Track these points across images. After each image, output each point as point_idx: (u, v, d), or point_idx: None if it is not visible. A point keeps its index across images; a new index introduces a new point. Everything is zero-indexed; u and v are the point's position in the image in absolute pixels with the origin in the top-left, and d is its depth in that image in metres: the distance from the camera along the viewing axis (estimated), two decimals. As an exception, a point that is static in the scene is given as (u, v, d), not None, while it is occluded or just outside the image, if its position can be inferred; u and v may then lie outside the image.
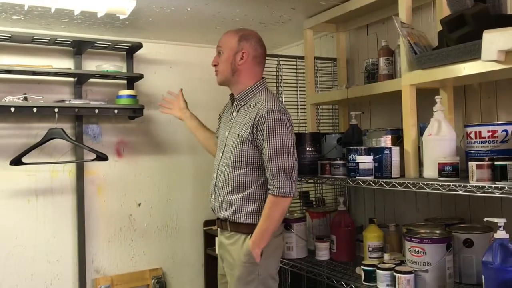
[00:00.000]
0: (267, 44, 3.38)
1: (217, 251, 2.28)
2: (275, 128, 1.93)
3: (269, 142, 1.93)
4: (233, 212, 2.03)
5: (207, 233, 3.30)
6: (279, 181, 1.92)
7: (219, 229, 2.18)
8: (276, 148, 1.93)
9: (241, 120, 2.05)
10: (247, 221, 2.01)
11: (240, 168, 2.02)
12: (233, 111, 2.14)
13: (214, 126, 2.38)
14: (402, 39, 2.01)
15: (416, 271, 1.86)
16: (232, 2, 2.46)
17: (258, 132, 1.96)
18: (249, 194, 2.01)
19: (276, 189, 1.92)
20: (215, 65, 2.13)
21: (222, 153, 2.10)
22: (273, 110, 1.95)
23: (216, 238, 2.32)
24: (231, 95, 2.19)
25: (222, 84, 2.16)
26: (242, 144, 2.00)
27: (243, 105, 2.09)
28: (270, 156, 1.93)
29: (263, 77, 2.14)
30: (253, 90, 2.08)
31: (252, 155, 2.00)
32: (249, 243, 1.97)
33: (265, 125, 1.94)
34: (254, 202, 2.01)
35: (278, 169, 1.92)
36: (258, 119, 1.96)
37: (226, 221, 2.07)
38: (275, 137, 1.93)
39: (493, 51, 1.54)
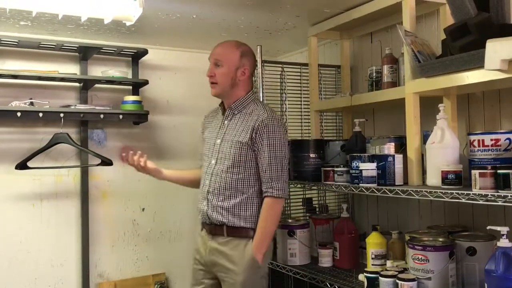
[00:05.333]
0: (271, 51, 3.41)
1: (197, 257, 2.21)
2: (274, 133, 2.05)
3: (269, 146, 2.04)
4: (231, 217, 2.05)
5: (210, 239, 3.30)
6: (277, 183, 2.03)
7: (209, 235, 2.14)
8: (275, 152, 2.04)
9: (238, 127, 2.11)
10: (246, 226, 2.05)
11: (238, 173, 2.06)
12: (224, 120, 2.18)
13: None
14: (405, 47, 2.02)
15: (419, 278, 1.86)
16: (237, 10, 2.48)
17: (257, 136, 2.05)
18: (246, 199, 2.06)
19: (275, 191, 2.02)
20: (211, 76, 2.14)
21: (216, 160, 2.13)
22: (272, 117, 2.08)
23: (199, 246, 2.22)
24: (221, 104, 2.23)
25: (218, 96, 2.19)
26: (241, 149, 2.07)
27: (237, 114, 2.15)
28: (270, 159, 2.03)
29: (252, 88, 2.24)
30: (246, 100, 2.17)
31: (250, 160, 2.07)
32: (252, 248, 2.01)
33: (265, 130, 2.04)
34: (252, 206, 2.07)
35: (277, 172, 2.03)
36: (259, 124, 2.05)
37: (222, 226, 2.08)
38: (274, 142, 2.04)
39: (496, 60, 1.55)
